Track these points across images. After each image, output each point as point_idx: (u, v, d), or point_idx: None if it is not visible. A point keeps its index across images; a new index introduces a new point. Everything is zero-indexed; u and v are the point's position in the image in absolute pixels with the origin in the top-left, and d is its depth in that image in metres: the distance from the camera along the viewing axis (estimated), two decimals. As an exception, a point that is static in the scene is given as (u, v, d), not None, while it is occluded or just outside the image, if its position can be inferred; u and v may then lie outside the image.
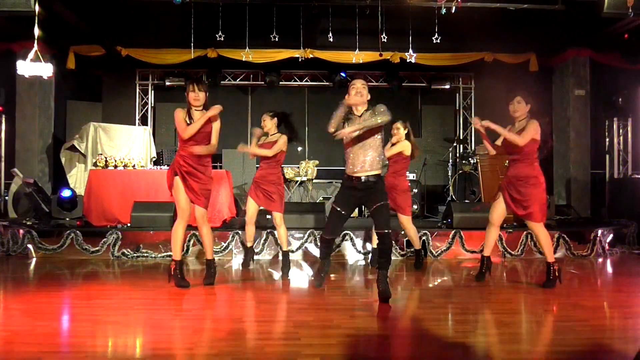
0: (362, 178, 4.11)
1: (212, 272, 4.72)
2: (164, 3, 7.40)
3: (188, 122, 4.41)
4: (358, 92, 4.12)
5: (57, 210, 7.72)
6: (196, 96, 4.43)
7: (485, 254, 4.92)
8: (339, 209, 4.26)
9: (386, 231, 4.08)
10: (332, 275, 5.37)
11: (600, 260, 6.51)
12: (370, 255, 6.05)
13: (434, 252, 6.50)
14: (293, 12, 8.07)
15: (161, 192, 7.06)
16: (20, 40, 8.71)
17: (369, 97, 4.18)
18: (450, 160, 10.68)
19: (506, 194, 4.65)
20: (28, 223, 7.00)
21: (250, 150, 5.32)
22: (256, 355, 2.85)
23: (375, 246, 5.74)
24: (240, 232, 6.45)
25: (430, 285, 5.06)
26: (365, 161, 4.10)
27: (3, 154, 8.91)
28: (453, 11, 6.83)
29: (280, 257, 5.37)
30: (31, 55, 6.91)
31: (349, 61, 9.08)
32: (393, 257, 6.38)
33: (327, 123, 4.14)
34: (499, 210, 4.75)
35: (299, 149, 11.19)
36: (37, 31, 6.55)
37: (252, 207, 5.35)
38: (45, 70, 7.07)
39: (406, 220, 5.49)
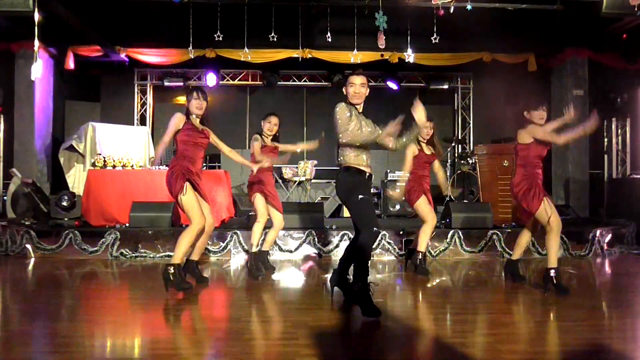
0: (370, 175, 3.89)
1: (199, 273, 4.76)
2: (163, 3, 7.39)
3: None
4: (356, 94, 3.82)
5: (55, 211, 7.72)
6: (200, 104, 4.38)
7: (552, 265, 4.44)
8: (368, 196, 3.78)
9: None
10: (328, 276, 5.36)
11: (598, 260, 6.51)
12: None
13: (432, 252, 6.50)
14: (292, 12, 8.07)
15: (160, 192, 7.05)
16: (19, 40, 8.70)
17: (367, 93, 3.87)
18: (449, 160, 10.69)
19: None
20: (26, 223, 6.99)
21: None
22: (255, 355, 2.85)
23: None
24: (239, 232, 6.45)
25: (429, 285, 5.06)
26: (369, 157, 3.88)
27: (1, 154, 8.90)
28: (452, 11, 6.84)
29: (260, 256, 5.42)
30: (34, 56, 6.90)
31: (348, 61, 9.08)
32: (392, 257, 6.44)
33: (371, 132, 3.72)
34: None
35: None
36: (36, 31, 6.54)
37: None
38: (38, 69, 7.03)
39: None
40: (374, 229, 3.63)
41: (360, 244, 3.70)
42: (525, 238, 4.80)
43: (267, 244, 5.49)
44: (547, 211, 4.36)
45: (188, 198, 4.24)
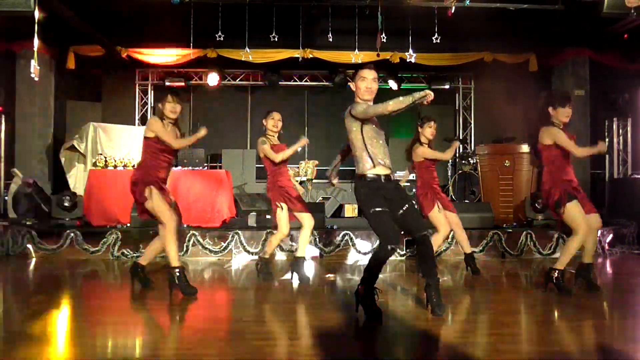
0: (388, 176, 3.59)
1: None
2: (164, 3, 7.39)
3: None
4: (368, 89, 3.55)
5: (57, 211, 7.72)
6: (174, 108, 4.25)
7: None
8: (380, 209, 3.47)
9: (426, 232, 3.63)
10: (331, 275, 5.37)
11: (599, 260, 6.51)
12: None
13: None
14: (293, 12, 8.08)
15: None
16: (20, 40, 8.71)
17: (376, 89, 3.60)
18: (450, 160, 10.67)
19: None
20: (28, 223, 7.00)
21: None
22: (256, 355, 2.84)
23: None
24: (240, 232, 6.45)
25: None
26: (386, 157, 3.59)
27: (3, 154, 8.90)
28: (453, 10, 6.85)
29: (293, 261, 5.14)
30: (33, 56, 6.90)
31: (349, 61, 9.08)
32: (392, 258, 6.43)
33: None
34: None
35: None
36: (36, 30, 6.55)
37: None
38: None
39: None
40: (390, 246, 3.40)
41: (375, 256, 3.59)
42: (590, 239, 4.33)
43: (301, 249, 5.00)
44: (572, 215, 4.14)
45: (156, 203, 4.21)
